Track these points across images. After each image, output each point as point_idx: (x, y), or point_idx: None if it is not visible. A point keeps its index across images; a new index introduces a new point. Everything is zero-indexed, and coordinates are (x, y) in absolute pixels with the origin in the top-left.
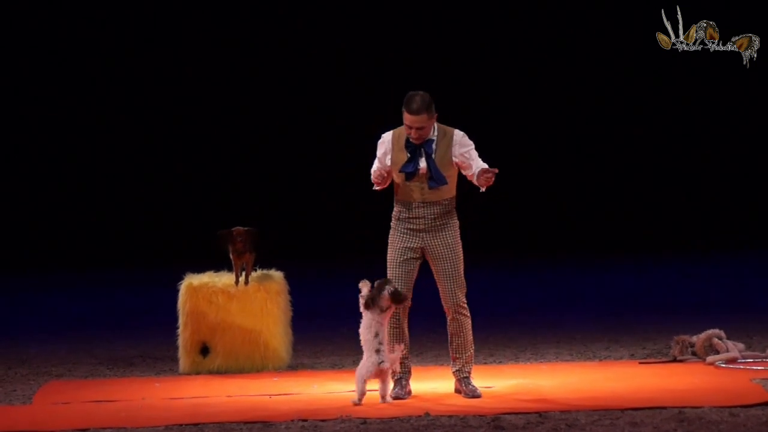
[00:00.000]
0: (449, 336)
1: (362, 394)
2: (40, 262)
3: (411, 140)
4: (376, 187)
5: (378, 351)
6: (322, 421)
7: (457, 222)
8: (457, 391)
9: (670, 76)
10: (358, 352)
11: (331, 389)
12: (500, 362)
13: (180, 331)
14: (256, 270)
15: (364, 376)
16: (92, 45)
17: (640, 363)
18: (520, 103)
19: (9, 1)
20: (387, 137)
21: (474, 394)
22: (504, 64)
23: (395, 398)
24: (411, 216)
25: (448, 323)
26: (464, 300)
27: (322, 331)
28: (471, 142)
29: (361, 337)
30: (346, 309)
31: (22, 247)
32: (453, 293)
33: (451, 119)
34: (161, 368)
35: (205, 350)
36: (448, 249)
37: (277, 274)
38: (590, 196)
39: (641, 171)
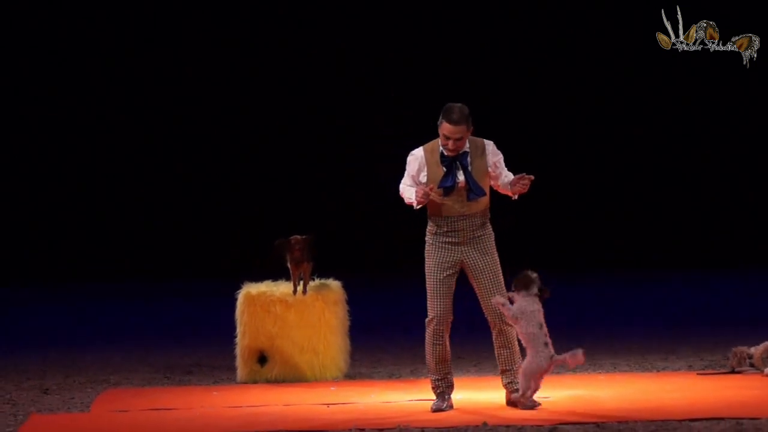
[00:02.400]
0: (496, 349)
1: (533, 390)
2: (97, 272)
3: (446, 152)
4: (417, 206)
5: (546, 344)
6: (380, 430)
7: (492, 233)
8: (511, 403)
9: (670, 76)
10: (415, 360)
11: (388, 398)
12: (558, 372)
13: (238, 340)
14: (313, 279)
15: (535, 371)
16: (92, 45)
17: (697, 374)
18: (520, 103)
19: (9, 1)
20: (419, 153)
21: (533, 405)
22: (504, 64)
23: (436, 410)
24: (449, 230)
25: (494, 336)
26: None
27: (379, 340)
28: (500, 152)
29: (524, 332)
30: (404, 318)
31: (80, 257)
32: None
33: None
34: (219, 377)
35: (262, 359)
36: (487, 260)
37: (335, 284)
38: (641, 211)
39: (642, 171)
